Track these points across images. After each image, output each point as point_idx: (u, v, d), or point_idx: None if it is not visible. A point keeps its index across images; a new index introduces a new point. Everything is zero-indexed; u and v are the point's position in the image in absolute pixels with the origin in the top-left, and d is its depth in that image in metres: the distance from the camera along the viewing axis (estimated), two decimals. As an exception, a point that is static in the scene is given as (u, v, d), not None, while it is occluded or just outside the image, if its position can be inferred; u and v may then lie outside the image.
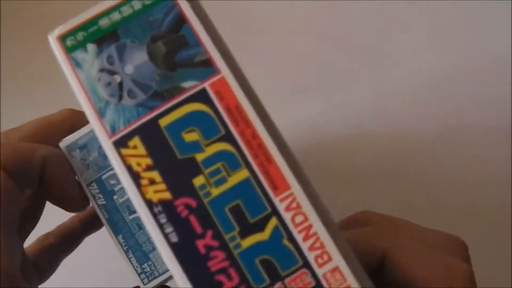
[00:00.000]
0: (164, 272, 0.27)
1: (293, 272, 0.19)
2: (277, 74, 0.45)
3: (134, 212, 0.28)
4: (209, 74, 0.20)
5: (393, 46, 0.45)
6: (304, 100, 0.44)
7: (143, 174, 0.20)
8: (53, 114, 0.29)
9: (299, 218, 0.19)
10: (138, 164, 0.20)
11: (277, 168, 0.20)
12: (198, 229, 0.19)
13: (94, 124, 0.21)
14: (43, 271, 0.31)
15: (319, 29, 0.46)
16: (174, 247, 0.20)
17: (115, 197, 0.28)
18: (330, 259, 0.19)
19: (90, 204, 0.29)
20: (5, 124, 0.46)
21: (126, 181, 0.20)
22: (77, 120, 0.29)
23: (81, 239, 0.33)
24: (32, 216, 0.29)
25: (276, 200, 0.19)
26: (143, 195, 0.20)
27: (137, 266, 0.27)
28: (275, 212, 0.19)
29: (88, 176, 0.28)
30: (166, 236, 0.20)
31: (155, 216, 0.20)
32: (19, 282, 0.25)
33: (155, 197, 0.20)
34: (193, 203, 0.20)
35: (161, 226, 0.20)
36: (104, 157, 0.28)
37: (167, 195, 0.20)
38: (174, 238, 0.20)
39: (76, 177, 0.28)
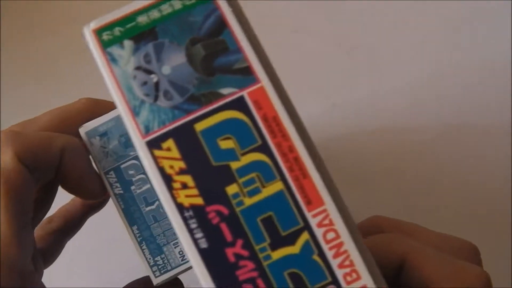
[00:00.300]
0: (176, 266, 0.27)
1: (320, 288, 0.19)
2: (277, 74, 0.45)
3: (151, 204, 0.27)
4: (248, 83, 0.20)
5: (393, 46, 0.46)
6: (304, 100, 0.44)
7: (176, 178, 0.20)
8: (71, 104, 0.29)
9: (330, 235, 0.19)
10: (171, 167, 0.20)
11: (312, 183, 0.20)
12: (229, 237, 0.20)
13: (128, 122, 0.21)
14: (48, 256, 0.30)
15: (319, 29, 0.46)
16: (203, 253, 0.20)
17: (132, 187, 0.28)
18: (359, 277, 0.19)
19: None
20: (5, 125, 0.46)
21: (157, 183, 0.20)
22: (95, 109, 0.28)
23: (83, 221, 0.33)
24: (42, 205, 0.29)
25: (309, 215, 0.19)
26: (174, 198, 0.20)
27: (149, 258, 0.27)
28: (307, 227, 0.19)
29: (106, 164, 0.28)
30: (195, 241, 0.20)
31: (185, 220, 0.20)
32: (30, 277, 0.24)
33: (186, 202, 0.20)
34: (225, 211, 0.20)
35: (191, 231, 0.20)
36: (124, 146, 0.28)
37: (199, 201, 0.20)
38: (203, 244, 0.20)
39: (94, 165, 0.28)
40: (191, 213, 0.20)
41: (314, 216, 0.19)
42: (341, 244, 0.19)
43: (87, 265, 0.42)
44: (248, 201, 0.20)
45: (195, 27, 0.21)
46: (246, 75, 0.20)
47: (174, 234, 0.27)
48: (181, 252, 0.27)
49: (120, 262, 0.41)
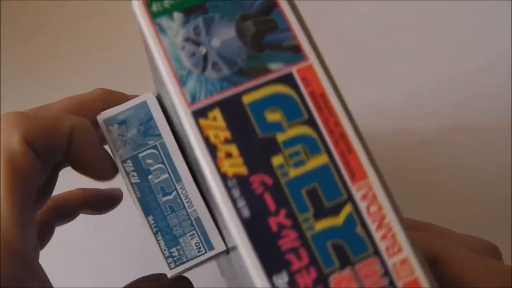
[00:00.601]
0: (192, 258, 0.26)
1: (363, 259, 0.19)
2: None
3: (169, 194, 0.27)
4: (297, 60, 0.21)
5: (393, 46, 0.46)
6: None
7: (220, 147, 0.20)
8: (86, 93, 0.29)
9: (373, 208, 0.20)
10: (216, 136, 0.20)
11: (357, 157, 0.20)
12: (272, 206, 0.20)
13: (173, 91, 0.21)
14: (41, 238, 0.30)
15: (319, 29, 0.47)
16: (245, 222, 0.20)
17: (150, 177, 0.27)
18: (400, 250, 0.19)
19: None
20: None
21: (201, 152, 0.20)
22: (110, 100, 0.28)
23: (77, 213, 0.33)
24: (46, 190, 0.28)
25: (353, 188, 0.20)
26: (218, 167, 0.20)
27: (165, 250, 0.26)
28: (350, 199, 0.20)
29: (124, 153, 0.27)
30: (238, 210, 0.20)
31: (228, 190, 0.20)
32: (32, 263, 0.24)
33: (230, 171, 0.20)
34: (269, 181, 0.20)
35: (233, 201, 0.20)
36: (143, 135, 0.28)
37: (243, 170, 0.20)
38: (246, 213, 0.20)
39: (110, 153, 0.28)
40: (234, 182, 0.20)
41: (358, 189, 0.20)
42: (383, 217, 0.20)
43: (89, 265, 0.41)
44: (293, 172, 0.20)
45: (246, 5, 0.21)
46: (295, 53, 0.21)
47: (191, 225, 0.27)
48: (197, 244, 0.26)
49: (122, 263, 0.40)
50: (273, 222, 0.20)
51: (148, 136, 0.28)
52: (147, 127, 0.28)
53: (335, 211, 0.20)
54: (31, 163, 0.24)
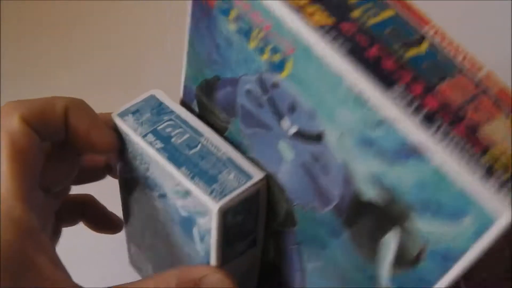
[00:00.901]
0: (235, 189, 0.26)
1: (455, 75, 0.21)
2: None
3: (194, 147, 0.27)
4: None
5: None
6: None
7: (305, 8, 0.22)
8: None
9: (446, 41, 0.23)
10: (298, 2, 0.22)
11: (417, 11, 0.23)
12: (365, 43, 0.22)
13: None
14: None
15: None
16: (348, 53, 0.21)
17: (172, 140, 0.28)
18: (481, 68, 0.22)
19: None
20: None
21: (290, 15, 0.22)
22: None
23: (79, 216, 0.33)
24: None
25: (424, 29, 0.23)
26: (308, 20, 0.22)
27: (206, 188, 0.26)
28: (425, 36, 0.22)
29: (142, 130, 0.28)
30: (338, 47, 0.21)
31: (323, 34, 0.21)
32: (36, 235, 0.24)
33: (320, 21, 0.22)
34: (355, 26, 0.22)
35: (331, 40, 0.21)
36: (157, 114, 0.29)
37: (330, 20, 0.22)
38: (346, 47, 0.21)
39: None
40: (327, 28, 0.22)
41: (429, 29, 0.23)
42: (458, 47, 0.22)
43: (89, 265, 0.38)
44: (372, 20, 0.22)
45: None
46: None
47: (224, 164, 0.26)
48: (235, 177, 0.26)
49: (122, 263, 0.37)
50: (371, 53, 0.21)
51: (162, 114, 0.29)
52: (159, 110, 0.29)
53: (417, 43, 0.22)
54: (30, 140, 0.26)
